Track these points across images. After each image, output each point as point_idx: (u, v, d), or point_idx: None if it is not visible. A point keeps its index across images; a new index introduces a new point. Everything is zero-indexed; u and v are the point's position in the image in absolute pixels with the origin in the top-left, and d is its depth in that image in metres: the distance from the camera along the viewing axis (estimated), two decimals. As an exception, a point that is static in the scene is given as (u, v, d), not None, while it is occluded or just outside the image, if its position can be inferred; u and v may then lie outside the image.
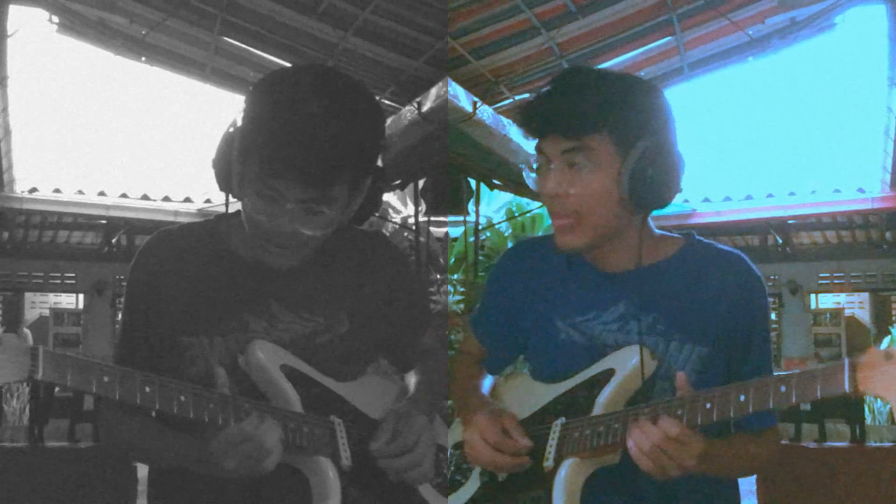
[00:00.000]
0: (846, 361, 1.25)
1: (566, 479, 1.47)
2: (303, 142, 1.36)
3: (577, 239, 1.49)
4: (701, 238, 1.60)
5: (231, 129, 1.45)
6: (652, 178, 1.44)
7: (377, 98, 1.53)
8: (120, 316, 1.61)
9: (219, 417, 1.37)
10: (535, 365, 1.65)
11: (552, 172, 1.46)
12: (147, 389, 1.32)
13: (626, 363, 1.49)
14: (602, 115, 1.43)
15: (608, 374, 1.50)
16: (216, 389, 1.39)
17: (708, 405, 1.36)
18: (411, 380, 1.68)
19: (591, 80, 1.47)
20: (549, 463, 1.49)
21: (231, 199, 1.49)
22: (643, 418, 1.39)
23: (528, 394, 1.61)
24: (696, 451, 1.37)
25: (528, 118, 1.49)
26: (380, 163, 1.50)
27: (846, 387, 1.24)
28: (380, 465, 1.49)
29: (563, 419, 1.51)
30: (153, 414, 1.47)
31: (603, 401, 1.48)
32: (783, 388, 1.30)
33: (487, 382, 1.72)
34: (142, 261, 1.55)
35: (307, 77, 1.44)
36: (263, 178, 1.39)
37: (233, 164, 1.43)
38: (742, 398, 1.34)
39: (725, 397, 1.35)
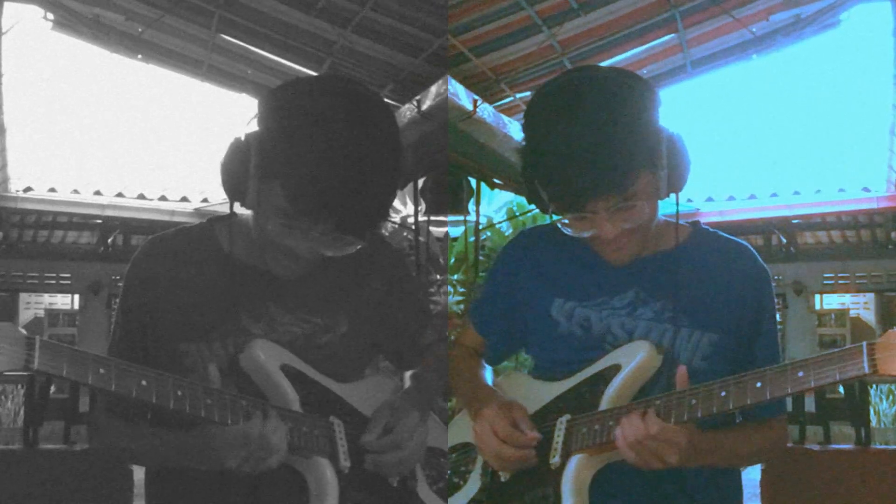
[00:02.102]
0: (864, 344, 1.24)
1: (575, 476, 1.45)
2: (338, 188, 1.35)
3: (631, 252, 1.52)
4: (706, 227, 1.62)
5: (243, 138, 1.43)
6: (679, 164, 1.46)
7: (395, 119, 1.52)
8: (113, 321, 1.61)
9: (215, 413, 1.36)
10: (537, 356, 1.64)
11: (605, 221, 1.45)
12: (143, 383, 1.30)
13: (632, 358, 1.48)
14: (642, 158, 1.42)
15: (614, 369, 1.49)
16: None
17: (723, 393, 1.35)
18: (408, 378, 1.69)
19: (611, 124, 1.40)
20: (555, 460, 1.47)
21: (237, 205, 1.47)
22: (634, 413, 1.40)
23: (529, 392, 1.59)
24: (678, 448, 1.37)
25: (570, 192, 1.43)
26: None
27: (865, 368, 1.23)
28: (366, 458, 1.48)
29: (567, 416, 1.50)
30: (148, 414, 1.49)
31: (610, 396, 1.47)
32: (801, 374, 1.28)
33: (489, 376, 1.71)
34: (136, 268, 1.54)
35: (331, 98, 1.40)
36: (288, 211, 1.38)
37: (250, 180, 1.41)
38: (759, 385, 1.32)
39: (741, 385, 1.34)
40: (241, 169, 1.42)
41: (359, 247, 1.45)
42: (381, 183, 1.40)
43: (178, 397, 1.33)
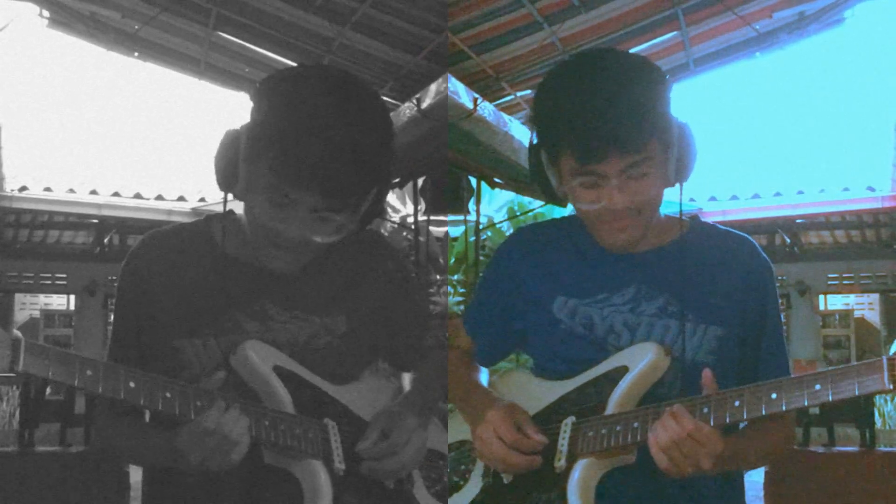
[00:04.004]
0: (884, 358, 1.23)
1: (581, 480, 1.43)
2: (322, 153, 1.35)
3: (637, 235, 1.50)
4: (706, 221, 1.62)
5: (235, 129, 1.43)
6: (686, 152, 1.47)
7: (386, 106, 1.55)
8: (111, 319, 1.62)
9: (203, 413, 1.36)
10: (538, 356, 1.63)
11: (615, 189, 1.44)
12: (131, 385, 1.30)
13: (640, 359, 1.46)
14: (654, 121, 1.42)
15: (621, 371, 1.47)
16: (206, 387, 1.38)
17: (737, 403, 1.34)
18: (406, 381, 1.68)
19: (629, 85, 1.42)
20: (561, 463, 1.45)
21: (230, 198, 1.48)
22: (668, 412, 1.36)
23: (531, 392, 1.58)
24: (714, 451, 1.34)
25: (585, 143, 1.42)
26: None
27: (886, 383, 1.22)
28: (363, 465, 1.47)
29: (572, 418, 1.48)
30: (145, 413, 1.49)
31: (617, 398, 1.45)
32: (818, 387, 1.28)
33: (484, 378, 1.69)
34: (132, 264, 1.54)
35: (319, 80, 1.44)
36: (275, 184, 1.38)
37: (239, 166, 1.41)
38: (774, 396, 1.31)
39: (756, 395, 1.33)
40: (233, 159, 1.43)
41: (347, 230, 1.45)
42: (366, 150, 1.39)
43: (166, 399, 1.33)
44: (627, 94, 1.40)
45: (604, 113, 1.39)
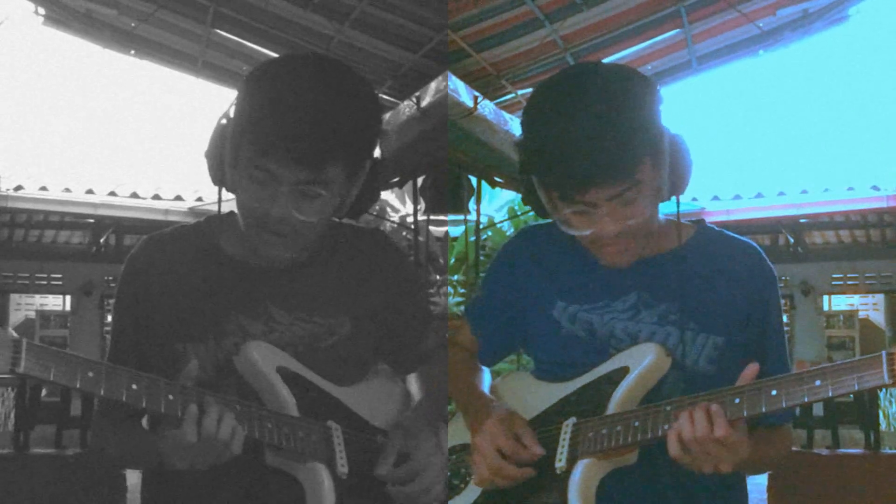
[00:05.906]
0: (883, 353, 1.22)
1: (581, 481, 1.42)
2: (294, 120, 1.36)
3: (632, 256, 1.48)
4: (711, 226, 1.60)
5: (224, 120, 1.45)
6: (681, 165, 1.44)
7: (374, 89, 1.56)
8: (110, 323, 1.52)
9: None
10: (538, 358, 1.63)
11: (606, 216, 1.41)
12: (134, 387, 1.29)
13: (640, 361, 1.45)
14: (643, 144, 1.38)
15: (622, 372, 1.47)
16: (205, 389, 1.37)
17: (737, 400, 1.32)
18: (413, 384, 1.67)
19: (615, 110, 1.38)
20: (561, 464, 1.44)
21: (224, 196, 1.48)
22: (699, 408, 1.33)
23: (532, 394, 1.57)
24: (737, 460, 1.33)
25: (570, 178, 1.39)
26: (378, 151, 1.50)
27: (885, 378, 1.20)
28: (388, 490, 1.46)
29: (573, 419, 1.47)
30: (145, 419, 1.50)
31: (617, 399, 1.45)
32: (818, 382, 1.26)
33: (486, 379, 1.68)
34: (132, 267, 1.55)
35: (301, 63, 1.46)
36: (256, 159, 1.39)
37: (225, 153, 1.43)
38: (774, 393, 1.29)
39: (756, 392, 1.31)
40: (222, 150, 1.44)
41: (327, 205, 1.43)
42: (344, 119, 1.39)
43: (168, 402, 1.31)
44: (613, 122, 1.37)
45: (587, 145, 1.36)
